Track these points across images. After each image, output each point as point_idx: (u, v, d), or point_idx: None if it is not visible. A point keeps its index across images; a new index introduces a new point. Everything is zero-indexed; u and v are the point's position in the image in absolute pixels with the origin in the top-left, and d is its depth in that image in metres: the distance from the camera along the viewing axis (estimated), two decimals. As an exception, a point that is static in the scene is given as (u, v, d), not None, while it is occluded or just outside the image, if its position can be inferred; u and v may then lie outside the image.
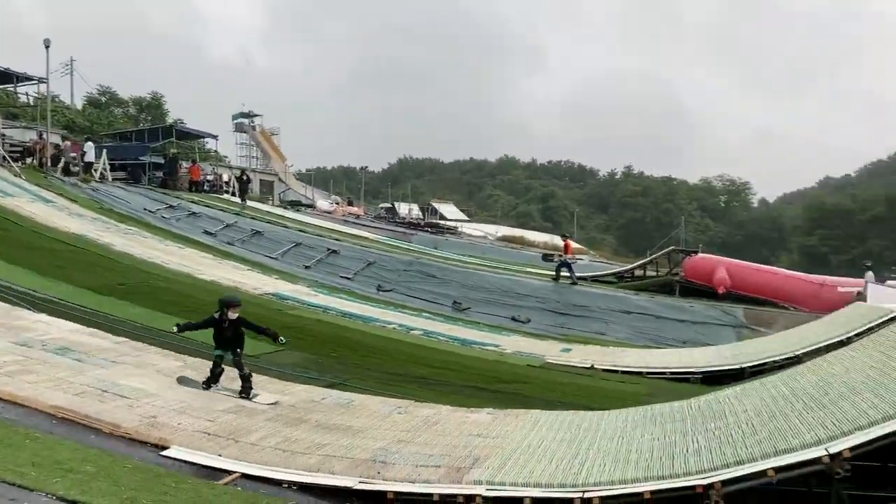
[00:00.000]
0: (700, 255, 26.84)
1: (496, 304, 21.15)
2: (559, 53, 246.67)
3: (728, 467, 5.59)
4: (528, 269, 26.79)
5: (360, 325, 14.90)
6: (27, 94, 32.33)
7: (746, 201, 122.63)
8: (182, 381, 8.50)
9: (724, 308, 21.53)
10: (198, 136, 43.31)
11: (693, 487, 5.52)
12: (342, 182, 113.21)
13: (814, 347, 13.38)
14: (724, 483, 5.46)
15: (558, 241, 60.85)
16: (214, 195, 33.04)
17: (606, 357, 15.11)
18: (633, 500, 5.66)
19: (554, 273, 24.15)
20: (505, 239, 47.02)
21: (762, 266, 27.48)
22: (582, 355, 15.12)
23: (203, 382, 8.43)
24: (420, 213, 65.89)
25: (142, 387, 8.02)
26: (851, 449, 5.27)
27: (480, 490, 5.98)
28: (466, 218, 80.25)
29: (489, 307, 20.81)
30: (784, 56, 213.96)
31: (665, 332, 20.01)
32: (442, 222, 48.87)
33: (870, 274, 23.18)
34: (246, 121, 64.02)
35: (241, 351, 8.49)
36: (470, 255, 31.23)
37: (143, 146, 34.91)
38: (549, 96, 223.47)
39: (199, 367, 9.37)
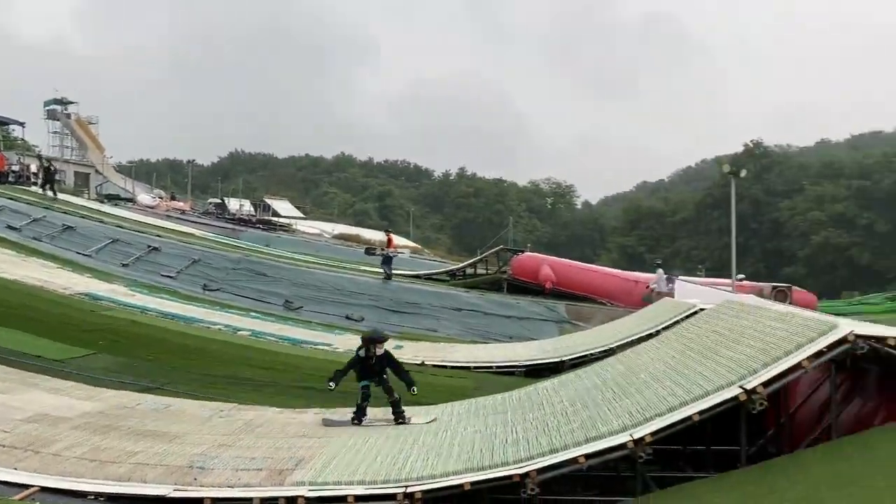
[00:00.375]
0: (527, 254, 28.03)
1: (329, 302, 20.92)
2: (395, 54, 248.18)
3: (543, 456, 5.83)
4: (363, 268, 26.73)
5: (181, 326, 14.19)
6: None
7: (571, 203, 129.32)
8: (326, 422, 8.14)
9: (548, 304, 22.58)
10: (2, 122, 39.50)
11: (510, 477, 5.72)
12: (167, 175, 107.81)
13: (626, 340, 14.29)
14: (540, 471, 5.70)
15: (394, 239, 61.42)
16: (21, 187, 30.25)
17: (437, 353, 15.37)
18: (454, 491, 5.78)
19: (383, 271, 24.13)
20: (341, 237, 46.64)
21: (583, 264, 29.14)
22: (413, 351, 15.27)
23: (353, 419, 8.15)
24: (252, 210, 64.00)
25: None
26: (653, 434, 5.66)
27: (303, 491, 5.88)
28: (302, 215, 78.78)
29: (322, 306, 20.54)
30: (610, 64, 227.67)
31: (493, 328, 20.65)
32: (275, 219, 47.61)
33: (660, 271, 24.82)
34: (59, 108, 59.15)
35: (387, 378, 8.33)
36: (303, 253, 30.66)
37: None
38: (387, 96, 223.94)
39: (-5, 374, 8.59)
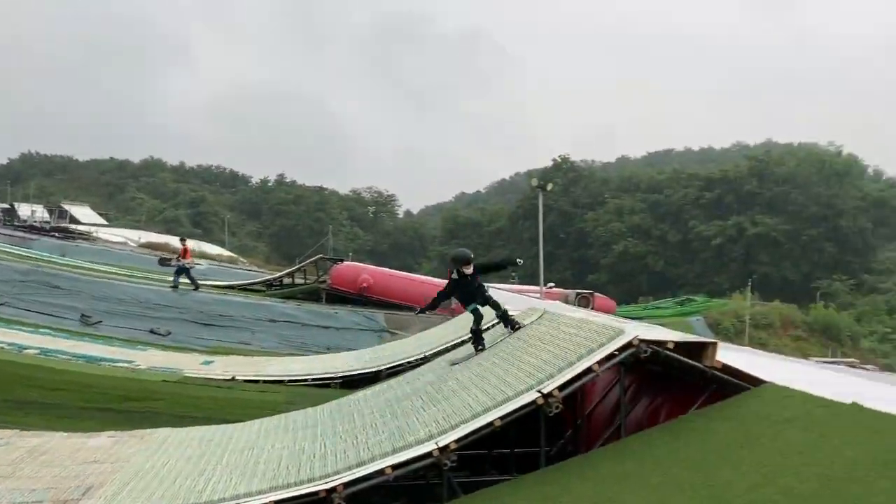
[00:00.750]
0: (346, 263, 27.87)
1: (132, 316, 19.63)
2: (212, 57, 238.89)
3: (350, 469, 5.77)
4: (169, 278, 25.34)
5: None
6: None
7: (393, 212, 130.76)
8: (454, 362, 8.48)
9: (367, 314, 22.55)
10: None
11: (316, 493, 5.60)
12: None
13: (442, 347, 14.59)
14: (346, 485, 5.62)
15: (207, 247, 58.92)
16: None
17: (249, 367, 14.87)
18: (258, 512, 5.58)
19: (173, 280, 22.89)
20: (149, 245, 43.89)
21: (402, 273, 29.45)
22: (224, 366, 14.69)
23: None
24: (47, 216, 58.85)
25: None
26: (457, 441, 5.77)
27: (89, 523, 5.42)
28: (105, 222, 73.62)
29: (124, 320, 19.24)
30: (431, 78, 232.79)
31: (310, 339, 20.33)
32: (73, 227, 44.01)
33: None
34: None
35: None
36: (103, 263, 28.53)
37: None
38: (200, 100, 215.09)
39: None
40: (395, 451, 5.82)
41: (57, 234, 38.17)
